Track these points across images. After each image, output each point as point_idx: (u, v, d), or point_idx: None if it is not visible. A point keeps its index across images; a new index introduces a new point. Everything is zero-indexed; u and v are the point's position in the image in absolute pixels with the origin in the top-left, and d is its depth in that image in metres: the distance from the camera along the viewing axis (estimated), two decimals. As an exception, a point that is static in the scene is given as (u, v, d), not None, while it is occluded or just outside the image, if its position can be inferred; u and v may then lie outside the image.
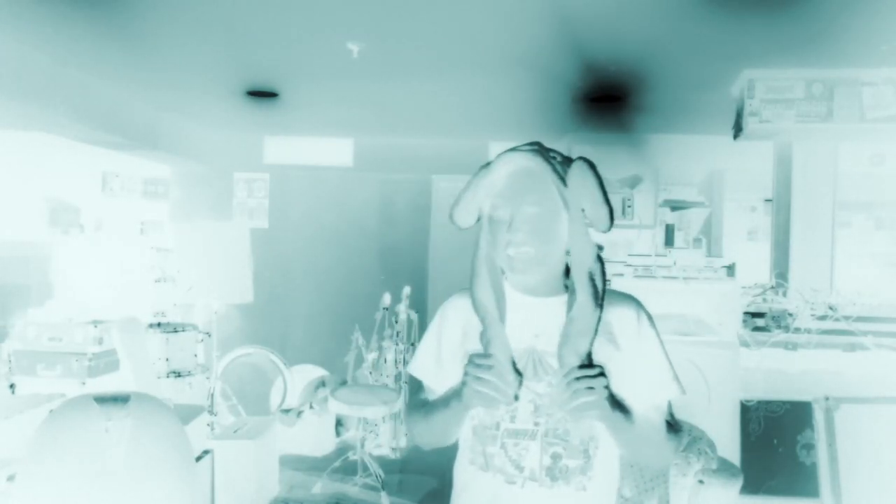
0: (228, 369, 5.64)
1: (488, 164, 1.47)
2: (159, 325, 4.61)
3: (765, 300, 3.49)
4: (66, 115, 4.00)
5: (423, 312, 6.16)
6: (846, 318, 3.21)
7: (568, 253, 1.45)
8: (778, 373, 3.24)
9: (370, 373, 5.51)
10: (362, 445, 4.89)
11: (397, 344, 5.61)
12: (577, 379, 1.26)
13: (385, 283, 5.97)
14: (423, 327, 6.11)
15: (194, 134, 5.86)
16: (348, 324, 5.76)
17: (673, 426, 1.48)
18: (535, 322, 1.44)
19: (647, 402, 1.42)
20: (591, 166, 1.40)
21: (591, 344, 1.32)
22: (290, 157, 6.25)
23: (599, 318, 1.34)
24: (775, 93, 3.72)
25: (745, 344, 3.23)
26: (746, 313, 3.42)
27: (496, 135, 5.95)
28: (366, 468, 4.76)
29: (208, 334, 4.76)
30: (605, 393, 1.27)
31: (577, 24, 3.10)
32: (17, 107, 3.70)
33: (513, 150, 1.44)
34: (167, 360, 4.42)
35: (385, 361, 5.55)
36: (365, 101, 4.72)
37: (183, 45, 3.55)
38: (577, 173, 1.39)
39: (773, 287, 3.60)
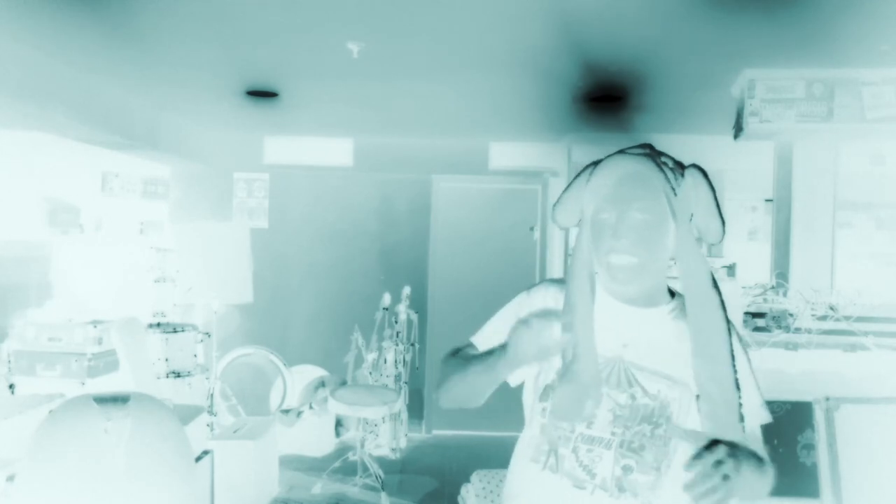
0: (228, 369, 5.64)
1: (595, 163, 1.40)
2: (159, 325, 4.61)
3: (765, 300, 3.48)
4: (66, 114, 4.00)
5: (423, 312, 6.16)
6: (847, 318, 3.20)
7: (672, 263, 1.39)
8: (778, 373, 3.24)
9: (370, 373, 5.51)
10: (362, 446, 4.89)
11: (397, 344, 5.61)
12: (712, 470, 1.13)
13: (385, 283, 5.97)
14: (423, 327, 6.12)
15: (194, 134, 5.86)
16: (348, 324, 5.76)
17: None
18: (626, 331, 1.37)
19: (746, 432, 1.33)
20: (705, 174, 1.35)
21: (737, 392, 1.26)
22: (290, 157, 6.24)
23: (733, 355, 1.28)
24: (775, 93, 3.72)
25: (745, 344, 3.23)
26: (747, 313, 3.42)
27: (496, 135, 5.95)
28: (366, 468, 4.76)
29: (208, 334, 4.76)
30: (734, 480, 1.14)
31: (577, 24, 3.09)
32: (17, 107, 3.69)
33: (623, 152, 1.38)
34: (167, 360, 4.42)
35: (385, 361, 5.55)
36: (365, 101, 4.72)
37: (183, 44, 3.55)
38: (691, 181, 1.34)
39: (773, 287, 3.60)
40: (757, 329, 3.35)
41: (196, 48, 3.62)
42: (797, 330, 3.25)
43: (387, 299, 5.59)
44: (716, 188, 1.34)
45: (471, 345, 1.53)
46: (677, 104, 4.57)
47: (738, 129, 3.97)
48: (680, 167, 1.38)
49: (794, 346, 3.22)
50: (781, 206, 4.09)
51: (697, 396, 1.31)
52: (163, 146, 5.29)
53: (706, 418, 1.30)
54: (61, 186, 4.86)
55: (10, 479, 2.34)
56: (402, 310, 5.68)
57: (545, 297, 1.46)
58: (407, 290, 5.77)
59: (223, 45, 3.56)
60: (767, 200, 5.12)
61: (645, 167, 1.33)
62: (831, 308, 3.25)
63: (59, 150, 4.71)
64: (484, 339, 1.50)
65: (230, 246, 4.81)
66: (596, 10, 2.92)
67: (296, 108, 5.05)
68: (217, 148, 6.17)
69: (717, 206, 1.33)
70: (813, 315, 3.26)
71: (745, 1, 2.79)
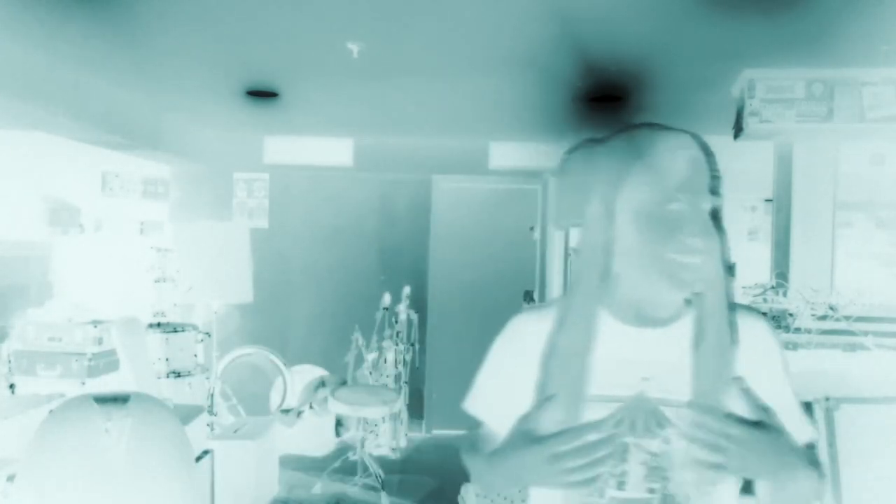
0: (228, 369, 5.64)
1: (617, 137, 1.17)
2: (159, 325, 4.61)
3: (765, 300, 3.49)
4: (66, 115, 4.00)
5: (423, 312, 6.16)
6: (846, 318, 3.20)
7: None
8: (778, 373, 3.24)
9: (370, 373, 5.51)
10: (362, 445, 4.89)
11: (397, 344, 5.61)
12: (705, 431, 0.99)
13: (385, 283, 5.97)
14: (423, 327, 6.12)
15: (194, 134, 5.86)
16: (348, 324, 5.76)
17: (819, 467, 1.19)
18: (644, 361, 1.13)
19: None
20: None
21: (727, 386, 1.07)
22: (290, 157, 6.24)
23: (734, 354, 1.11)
24: (775, 93, 3.72)
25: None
26: (747, 313, 3.41)
27: (496, 135, 5.95)
28: (366, 468, 4.76)
29: (208, 334, 4.76)
30: (740, 447, 1.00)
31: (578, 24, 3.09)
32: (17, 107, 3.69)
33: (669, 130, 1.15)
34: (167, 360, 4.42)
35: (385, 361, 5.56)
36: (365, 101, 4.72)
37: (183, 44, 3.55)
38: None
39: (773, 287, 3.60)
40: (757, 329, 3.34)
41: (196, 48, 3.62)
42: (797, 330, 3.25)
43: (387, 299, 5.60)
44: None
45: (478, 424, 1.27)
46: (677, 104, 4.57)
47: (738, 129, 3.97)
48: None
49: (794, 346, 3.22)
50: (781, 206, 4.10)
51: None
52: (163, 146, 5.29)
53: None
54: (61, 186, 4.86)
55: (11, 478, 2.34)
56: (402, 310, 5.68)
57: (524, 339, 1.21)
58: (407, 290, 5.77)
59: (223, 45, 3.56)
60: (767, 200, 5.12)
61: (700, 150, 1.14)
62: (831, 308, 3.25)
63: (59, 150, 4.71)
64: (485, 407, 1.26)
65: (230, 246, 4.81)
66: (596, 10, 2.92)
67: (296, 108, 5.05)
68: (217, 148, 6.17)
69: None
70: (813, 315, 3.26)
71: (745, 1, 2.79)
